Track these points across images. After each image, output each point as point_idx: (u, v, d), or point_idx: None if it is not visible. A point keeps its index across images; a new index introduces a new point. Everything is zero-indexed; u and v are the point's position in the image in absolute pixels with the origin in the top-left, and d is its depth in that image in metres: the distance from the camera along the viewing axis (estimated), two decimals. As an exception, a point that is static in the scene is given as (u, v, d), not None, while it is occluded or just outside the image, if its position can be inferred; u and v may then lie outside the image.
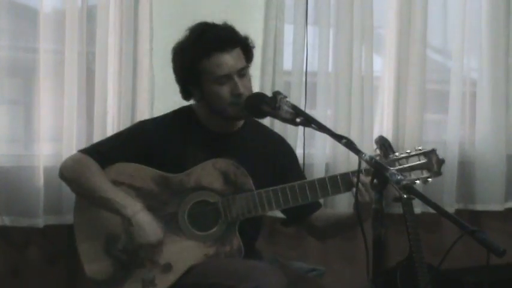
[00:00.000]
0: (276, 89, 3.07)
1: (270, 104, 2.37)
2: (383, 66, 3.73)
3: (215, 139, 2.58)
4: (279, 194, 2.48)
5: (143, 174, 2.51)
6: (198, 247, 2.48)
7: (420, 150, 2.55)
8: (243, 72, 2.50)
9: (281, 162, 2.66)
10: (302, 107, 3.18)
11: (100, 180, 2.48)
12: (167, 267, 2.46)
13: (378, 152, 2.58)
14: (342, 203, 3.38)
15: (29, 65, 2.97)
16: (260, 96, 2.47)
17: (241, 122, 2.62)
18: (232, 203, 2.48)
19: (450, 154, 3.69)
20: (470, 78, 3.87)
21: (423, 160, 2.54)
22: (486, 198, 3.84)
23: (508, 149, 3.90)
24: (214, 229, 2.49)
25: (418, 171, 2.55)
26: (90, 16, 3.02)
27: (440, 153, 2.58)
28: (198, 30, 2.52)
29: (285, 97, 2.35)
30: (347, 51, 3.49)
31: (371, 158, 2.02)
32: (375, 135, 3.23)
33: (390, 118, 3.69)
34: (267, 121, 2.82)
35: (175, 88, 2.63)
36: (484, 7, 3.84)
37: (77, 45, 2.97)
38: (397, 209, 3.35)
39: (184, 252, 2.47)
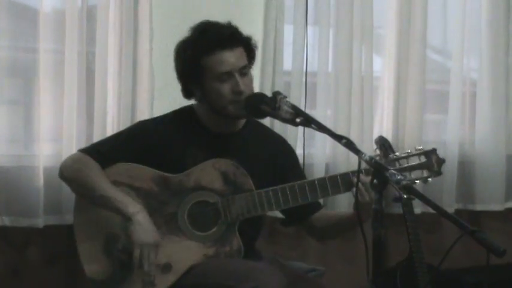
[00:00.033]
0: (276, 89, 3.08)
1: (270, 104, 2.37)
2: (383, 66, 3.73)
3: (215, 139, 2.58)
4: (279, 194, 2.48)
5: (143, 174, 2.51)
6: (197, 247, 2.48)
7: (420, 149, 2.55)
8: (244, 71, 2.50)
9: (281, 163, 2.66)
10: (302, 107, 3.18)
11: (100, 179, 2.48)
12: (167, 268, 2.46)
13: (378, 152, 2.58)
14: (342, 203, 3.38)
15: (29, 65, 2.97)
16: (260, 96, 2.47)
17: (242, 123, 2.62)
18: (231, 203, 2.48)
19: (450, 154, 3.68)
20: (470, 78, 3.87)
21: (423, 160, 2.54)
22: (486, 198, 3.84)
23: (508, 149, 3.90)
24: (213, 229, 2.49)
25: (419, 171, 2.55)
26: (90, 16, 3.02)
27: (440, 153, 2.58)
28: (201, 28, 2.52)
29: (285, 97, 2.35)
30: (347, 52, 3.49)
31: (371, 158, 2.02)
32: (375, 136, 3.23)
33: (390, 118, 3.69)
34: (267, 121, 2.82)
35: (175, 88, 2.63)
36: (483, 7, 3.84)
37: (77, 45, 2.97)
38: (397, 209, 3.34)
39: (184, 252, 2.47)
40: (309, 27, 3.42)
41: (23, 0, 3.08)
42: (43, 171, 2.93)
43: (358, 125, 3.51)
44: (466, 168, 3.84)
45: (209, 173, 2.49)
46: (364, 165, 2.09)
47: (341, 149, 3.32)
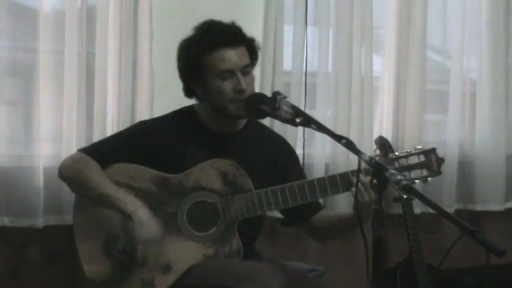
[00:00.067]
0: (276, 89, 3.08)
1: (270, 104, 2.37)
2: (383, 66, 3.73)
3: (216, 139, 2.58)
4: (278, 195, 2.48)
5: (142, 174, 2.51)
6: (197, 247, 2.48)
7: (420, 149, 2.55)
8: (246, 70, 2.50)
9: (281, 163, 2.66)
10: (302, 107, 3.18)
11: (99, 178, 2.48)
12: (166, 268, 2.46)
13: (378, 152, 2.58)
14: (342, 204, 3.38)
15: (29, 65, 2.97)
16: (260, 96, 2.47)
17: (243, 123, 2.62)
18: (231, 203, 2.48)
19: (450, 154, 3.68)
20: (470, 78, 3.88)
21: (423, 159, 2.54)
22: (486, 199, 3.84)
23: (507, 149, 3.90)
24: (213, 229, 2.49)
25: (418, 171, 2.54)
26: (89, 16, 3.02)
27: (440, 154, 2.57)
28: (204, 26, 2.53)
29: (285, 97, 2.35)
30: (347, 52, 3.49)
31: (371, 158, 2.02)
32: (375, 136, 3.23)
33: (390, 118, 3.69)
34: (266, 121, 2.82)
35: (175, 88, 2.63)
36: (483, 7, 3.84)
37: (77, 45, 2.97)
38: (397, 209, 3.34)
39: (183, 252, 2.47)
40: (308, 27, 3.42)
41: (23, 1, 3.08)
42: (43, 172, 2.93)
43: (358, 125, 3.51)
44: (466, 168, 3.84)
45: (208, 173, 2.49)
46: (364, 165, 2.09)
47: (341, 149, 3.32)
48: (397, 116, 3.66)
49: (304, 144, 3.37)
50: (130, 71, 3.07)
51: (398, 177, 1.91)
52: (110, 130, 3.04)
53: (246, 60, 2.51)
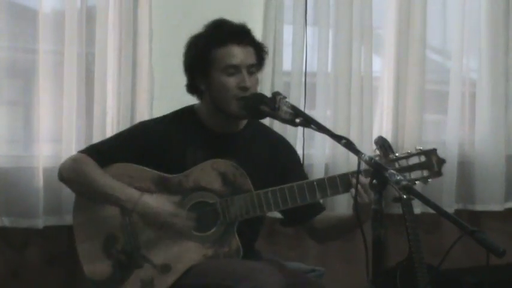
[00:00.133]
0: (276, 89, 3.08)
1: (270, 104, 2.37)
2: (382, 66, 3.73)
3: (216, 139, 2.58)
4: (278, 195, 2.47)
5: (142, 175, 2.51)
6: (196, 248, 2.48)
7: (420, 150, 2.55)
8: (252, 70, 2.51)
9: (282, 163, 2.66)
10: (301, 108, 3.19)
11: (98, 176, 2.49)
12: (166, 268, 2.46)
13: (378, 152, 2.58)
14: (341, 205, 3.37)
15: (29, 65, 2.97)
16: (259, 96, 2.47)
17: (243, 123, 2.62)
18: (230, 204, 2.48)
19: (450, 154, 3.68)
20: (470, 78, 3.88)
21: (423, 160, 2.54)
22: (486, 199, 3.85)
23: (507, 149, 3.90)
24: (212, 230, 2.49)
25: (419, 171, 2.54)
26: (89, 17, 3.02)
27: (440, 154, 2.57)
28: (215, 23, 2.55)
29: (285, 98, 2.36)
30: (346, 52, 3.49)
31: (370, 158, 2.02)
32: (374, 136, 3.23)
33: (389, 118, 3.69)
34: (266, 121, 2.82)
35: (174, 88, 2.63)
36: (483, 7, 3.84)
37: (76, 46, 2.97)
38: (397, 209, 3.34)
39: (183, 253, 2.47)
40: (308, 27, 3.42)
41: (23, 1, 3.09)
42: (43, 172, 2.93)
43: (357, 125, 3.51)
44: (465, 168, 3.84)
45: (208, 174, 2.49)
46: (363, 165, 2.09)
47: (341, 149, 3.32)
48: (396, 116, 3.66)
49: (303, 144, 3.37)
50: (130, 72, 3.07)
51: (398, 177, 1.91)
52: (110, 130, 3.04)
53: (252, 59, 2.52)
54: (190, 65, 2.55)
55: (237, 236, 2.48)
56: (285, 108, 2.32)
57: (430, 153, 2.54)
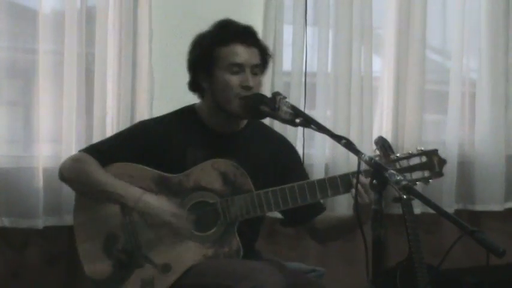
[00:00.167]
0: (276, 89, 3.08)
1: (270, 104, 2.37)
2: (382, 66, 3.73)
3: (217, 139, 2.58)
4: (278, 195, 2.47)
5: (143, 174, 2.51)
6: (197, 248, 2.48)
7: (422, 150, 2.55)
8: (255, 71, 2.52)
9: (283, 162, 2.66)
10: (301, 108, 3.19)
11: (99, 174, 2.49)
12: (166, 268, 2.46)
13: (378, 152, 2.58)
14: (342, 205, 3.37)
15: (28, 66, 2.97)
16: (259, 97, 2.47)
17: (244, 122, 2.62)
18: (231, 204, 2.48)
19: (450, 154, 3.68)
20: (470, 78, 3.88)
21: (424, 160, 2.54)
22: (486, 199, 3.85)
23: (507, 150, 3.90)
24: (213, 230, 2.48)
25: (420, 172, 2.54)
26: (89, 17, 3.02)
27: (440, 154, 2.57)
28: (222, 23, 2.56)
29: (285, 98, 2.36)
30: (346, 52, 3.49)
31: (370, 158, 2.02)
32: (374, 136, 3.23)
33: (389, 118, 3.69)
34: (266, 121, 2.82)
35: (174, 89, 2.63)
36: (483, 7, 3.84)
37: (76, 46, 2.97)
38: (397, 209, 3.34)
39: (183, 252, 2.47)
40: (308, 27, 3.42)
41: (23, 1, 3.09)
42: (42, 172, 2.93)
43: (357, 125, 3.51)
44: (465, 168, 3.84)
45: (209, 174, 2.49)
46: (364, 165, 2.09)
47: (341, 149, 3.32)
48: (396, 116, 3.66)
49: (303, 144, 3.37)
50: (129, 72, 3.07)
51: (398, 178, 1.91)
52: (110, 130, 3.04)
53: (256, 60, 2.53)
54: (194, 62, 2.56)
55: (237, 236, 2.48)
56: (285, 108, 2.32)
57: (431, 154, 2.54)
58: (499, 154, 3.86)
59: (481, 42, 3.85)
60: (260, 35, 3.25)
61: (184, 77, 2.61)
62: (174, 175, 2.50)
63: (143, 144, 2.55)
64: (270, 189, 2.48)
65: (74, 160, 2.58)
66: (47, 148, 2.98)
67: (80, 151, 2.62)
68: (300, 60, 3.40)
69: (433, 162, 2.53)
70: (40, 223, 2.93)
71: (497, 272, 3.21)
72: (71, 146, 2.95)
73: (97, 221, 2.51)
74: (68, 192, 2.67)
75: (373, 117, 3.62)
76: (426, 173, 2.53)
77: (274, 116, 2.37)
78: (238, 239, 2.48)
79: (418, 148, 2.56)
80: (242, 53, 2.49)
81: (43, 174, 2.92)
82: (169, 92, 3.12)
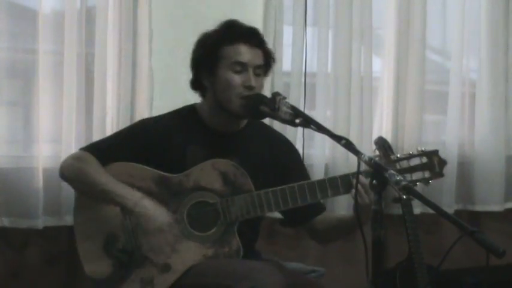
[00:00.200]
0: (275, 90, 3.08)
1: (269, 105, 2.37)
2: (382, 66, 3.73)
3: (217, 139, 2.58)
4: (278, 196, 2.47)
5: (143, 174, 2.51)
6: (197, 248, 2.48)
7: (422, 151, 2.55)
8: (258, 72, 2.52)
9: (283, 162, 2.66)
10: (301, 108, 3.19)
11: (99, 174, 2.49)
12: (166, 268, 2.46)
13: (377, 152, 2.58)
14: (342, 205, 3.37)
15: (28, 66, 2.97)
16: (259, 97, 2.47)
17: (244, 122, 2.62)
18: (231, 204, 2.48)
19: (449, 155, 3.68)
20: (470, 78, 3.88)
21: (425, 161, 2.53)
22: (485, 199, 3.85)
23: (507, 150, 3.90)
24: (213, 230, 2.48)
25: (420, 173, 2.54)
26: (89, 17, 3.02)
27: (440, 154, 2.57)
28: (227, 23, 2.57)
29: (284, 98, 2.36)
30: (346, 52, 3.49)
31: (370, 158, 2.02)
32: (374, 136, 3.23)
33: (389, 119, 3.69)
34: (266, 122, 2.82)
35: (174, 89, 2.63)
36: (483, 7, 3.84)
37: (76, 46, 2.97)
38: (397, 209, 3.34)
39: (183, 252, 2.47)
40: (308, 28, 3.42)
41: (23, 2, 3.09)
42: (42, 173, 2.93)
43: (357, 125, 3.51)
44: (465, 168, 3.84)
45: (209, 174, 2.49)
46: (363, 166, 2.09)
47: (340, 149, 3.32)
48: (396, 116, 3.66)
49: (303, 144, 3.37)
50: (129, 72, 3.07)
51: (398, 178, 1.91)
52: (110, 130, 3.04)
53: (260, 61, 2.53)
54: (198, 60, 2.57)
55: (237, 236, 2.48)
56: (284, 108, 2.32)
57: (432, 155, 2.54)
58: (499, 154, 3.86)
59: (481, 42, 3.85)
60: (260, 35, 3.27)
61: (184, 77, 2.61)
62: (174, 175, 2.50)
63: (143, 143, 2.55)
64: (270, 189, 2.48)
65: (75, 159, 2.58)
66: (46, 148, 2.98)
67: (80, 149, 2.62)
68: (299, 60, 3.40)
69: (433, 162, 2.53)
70: (40, 223, 2.93)
71: (497, 272, 3.21)
72: (71, 146, 2.95)
73: (97, 220, 2.51)
74: (68, 193, 2.67)
75: (373, 117, 3.62)
76: (426, 174, 2.53)
77: (274, 116, 2.37)
78: (238, 239, 2.48)
79: (419, 148, 2.56)
80: (246, 53, 2.50)
81: (43, 175, 2.92)
82: (169, 92, 3.12)
